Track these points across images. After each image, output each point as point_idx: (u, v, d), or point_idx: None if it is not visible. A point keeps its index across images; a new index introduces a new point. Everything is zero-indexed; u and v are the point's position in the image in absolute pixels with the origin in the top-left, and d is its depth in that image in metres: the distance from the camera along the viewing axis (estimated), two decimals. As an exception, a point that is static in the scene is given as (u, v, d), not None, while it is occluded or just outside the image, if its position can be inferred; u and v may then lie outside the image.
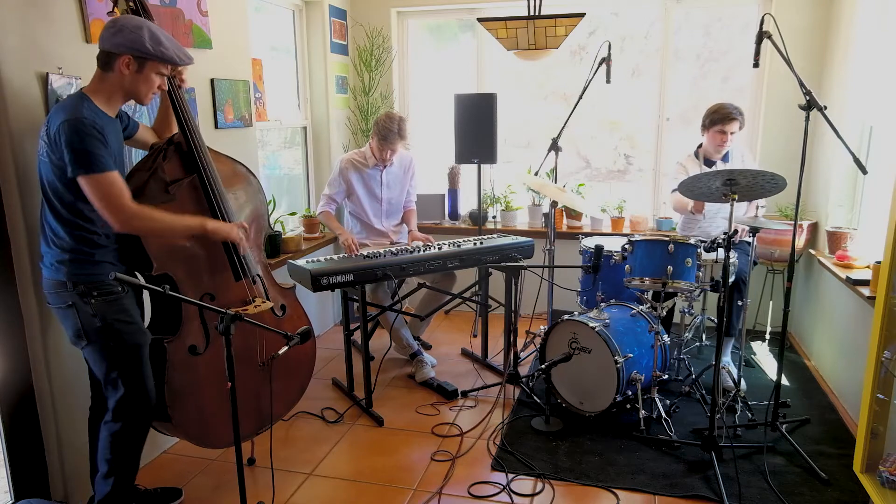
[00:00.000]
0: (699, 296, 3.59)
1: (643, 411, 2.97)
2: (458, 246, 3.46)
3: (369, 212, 3.84)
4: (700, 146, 3.61)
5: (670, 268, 2.95)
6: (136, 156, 2.59)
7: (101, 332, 2.11)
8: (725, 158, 3.55)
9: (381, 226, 3.89)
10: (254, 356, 2.54)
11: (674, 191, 3.57)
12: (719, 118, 3.39)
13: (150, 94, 2.14)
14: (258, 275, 2.54)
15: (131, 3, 2.23)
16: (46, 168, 2.02)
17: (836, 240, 3.52)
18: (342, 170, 3.76)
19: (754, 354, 3.97)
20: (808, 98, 2.61)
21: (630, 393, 3.00)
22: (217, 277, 2.42)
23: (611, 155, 4.80)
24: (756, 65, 2.81)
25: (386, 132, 3.59)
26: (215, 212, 2.38)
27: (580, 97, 3.43)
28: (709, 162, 3.56)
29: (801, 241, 3.87)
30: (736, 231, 2.66)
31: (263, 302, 2.49)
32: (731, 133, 3.42)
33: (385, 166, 3.79)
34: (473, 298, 4.14)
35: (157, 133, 2.46)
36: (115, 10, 2.24)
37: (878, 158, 3.42)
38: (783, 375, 3.02)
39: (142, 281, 2.31)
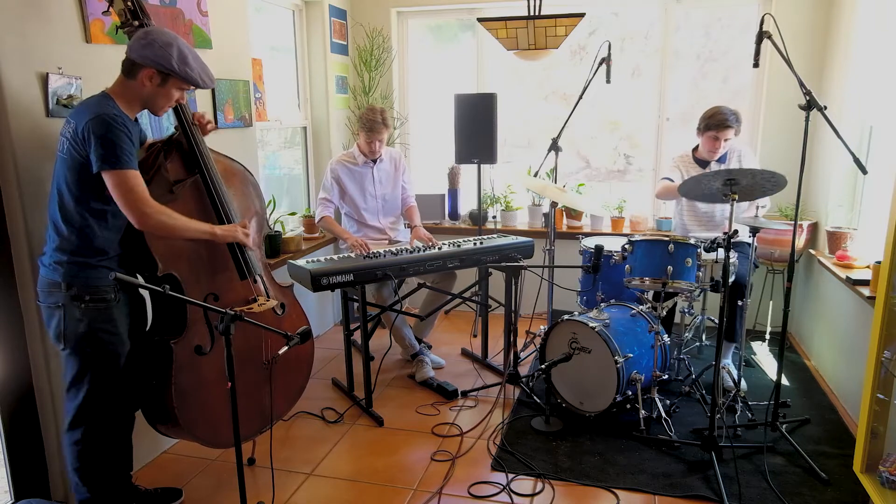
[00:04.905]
0: (699, 296, 3.59)
1: (643, 411, 2.97)
2: (458, 246, 3.46)
3: (365, 209, 3.85)
4: (696, 147, 3.60)
5: (670, 268, 2.95)
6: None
7: (83, 337, 2.09)
8: (721, 160, 3.52)
9: (378, 222, 3.89)
10: (258, 355, 2.54)
11: (663, 178, 3.59)
12: (714, 124, 3.35)
13: (167, 108, 2.18)
14: (260, 274, 2.55)
15: (129, 3, 2.21)
16: (64, 166, 2.03)
17: (836, 240, 3.52)
18: (332, 170, 3.79)
19: (754, 354, 3.97)
20: (808, 98, 2.61)
21: (630, 393, 3.00)
22: (221, 277, 2.43)
23: (611, 155, 4.80)
24: (756, 65, 2.81)
25: (371, 123, 3.65)
26: (218, 211, 2.38)
27: (580, 97, 3.43)
28: (704, 163, 3.54)
29: (801, 241, 3.87)
30: (736, 231, 2.65)
31: (267, 300, 2.50)
32: (725, 140, 3.39)
33: (375, 162, 3.80)
34: (473, 298, 4.14)
35: None
36: (111, 9, 2.23)
37: (878, 158, 3.42)
38: (783, 375, 3.02)
39: (142, 282, 2.31)
